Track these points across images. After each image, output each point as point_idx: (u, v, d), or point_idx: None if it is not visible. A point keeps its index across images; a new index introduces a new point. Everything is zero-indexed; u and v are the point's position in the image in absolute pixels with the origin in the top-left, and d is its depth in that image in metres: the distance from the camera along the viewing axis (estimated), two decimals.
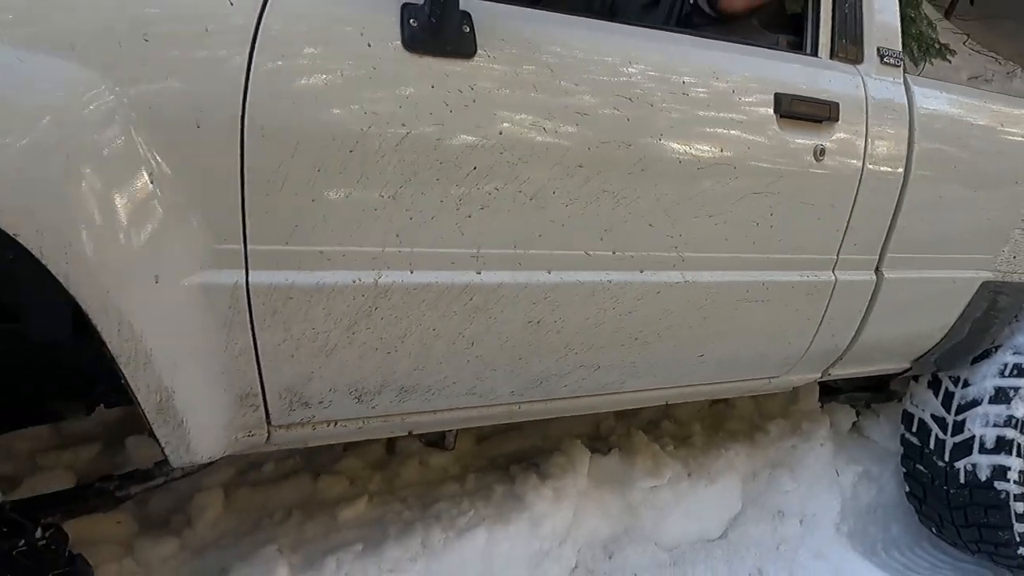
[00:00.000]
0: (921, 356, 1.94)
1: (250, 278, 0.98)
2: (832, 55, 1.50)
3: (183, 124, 0.88)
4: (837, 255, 1.55)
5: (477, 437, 2.16)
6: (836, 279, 1.56)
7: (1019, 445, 1.91)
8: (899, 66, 1.57)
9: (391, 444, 2.02)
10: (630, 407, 1.68)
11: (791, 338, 1.59)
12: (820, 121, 1.42)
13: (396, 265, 1.08)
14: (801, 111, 1.38)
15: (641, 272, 1.30)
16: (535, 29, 1.13)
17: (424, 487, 1.84)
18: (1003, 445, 1.92)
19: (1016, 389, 1.93)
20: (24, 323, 1.09)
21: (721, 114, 1.30)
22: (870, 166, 1.50)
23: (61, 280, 0.81)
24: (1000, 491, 1.93)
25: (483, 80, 1.06)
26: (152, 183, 0.87)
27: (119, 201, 0.84)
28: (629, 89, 1.19)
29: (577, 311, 1.26)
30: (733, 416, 2.34)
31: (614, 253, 1.26)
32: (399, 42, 1.00)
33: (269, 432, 1.15)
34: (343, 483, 1.82)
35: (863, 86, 1.49)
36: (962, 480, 1.99)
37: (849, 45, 1.51)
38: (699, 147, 1.27)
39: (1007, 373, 1.96)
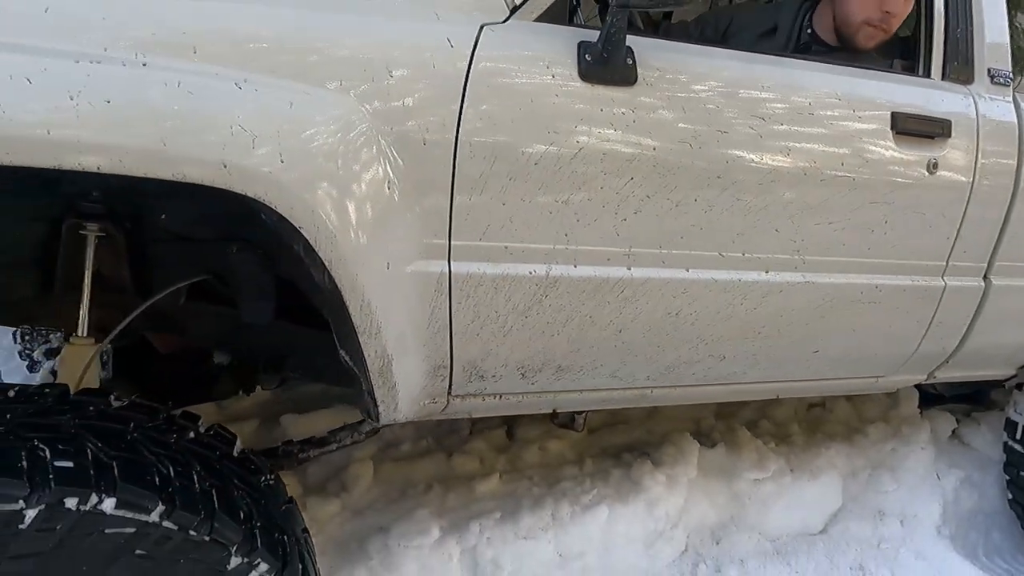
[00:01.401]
0: None
1: (452, 268, 1.19)
2: (944, 76, 1.62)
3: (414, 142, 1.10)
4: (947, 261, 1.66)
5: (588, 428, 2.33)
6: (946, 284, 1.67)
7: None
8: (1008, 85, 1.67)
9: (511, 431, 2.22)
10: (747, 398, 1.82)
11: (900, 339, 1.70)
12: (933, 137, 1.55)
13: (563, 260, 1.27)
14: (915, 128, 1.52)
15: (767, 272, 1.46)
16: (684, 59, 1.31)
17: (546, 468, 2.02)
18: None
19: None
20: (240, 308, 1.35)
21: (841, 131, 1.44)
22: (980, 179, 1.61)
23: (326, 264, 1.04)
24: None
25: (642, 104, 1.25)
26: (389, 189, 1.10)
27: (367, 202, 1.07)
28: (761, 110, 1.36)
29: (710, 305, 1.42)
30: (831, 419, 2.43)
31: (744, 254, 1.42)
32: (576, 73, 1.20)
33: (448, 400, 1.36)
34: (474, 462, 2.03)
35: (974, 105, 1.61)
36: None
37: (960, 67, 1.63)
38: (821, 161, 1.42)
39: None
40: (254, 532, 1.06)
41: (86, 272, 1.25)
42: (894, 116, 1.49)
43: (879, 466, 2.23)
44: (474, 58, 1.14)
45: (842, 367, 1.71)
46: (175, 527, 0.97)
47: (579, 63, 1.20)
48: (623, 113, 1.24)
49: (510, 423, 2.23)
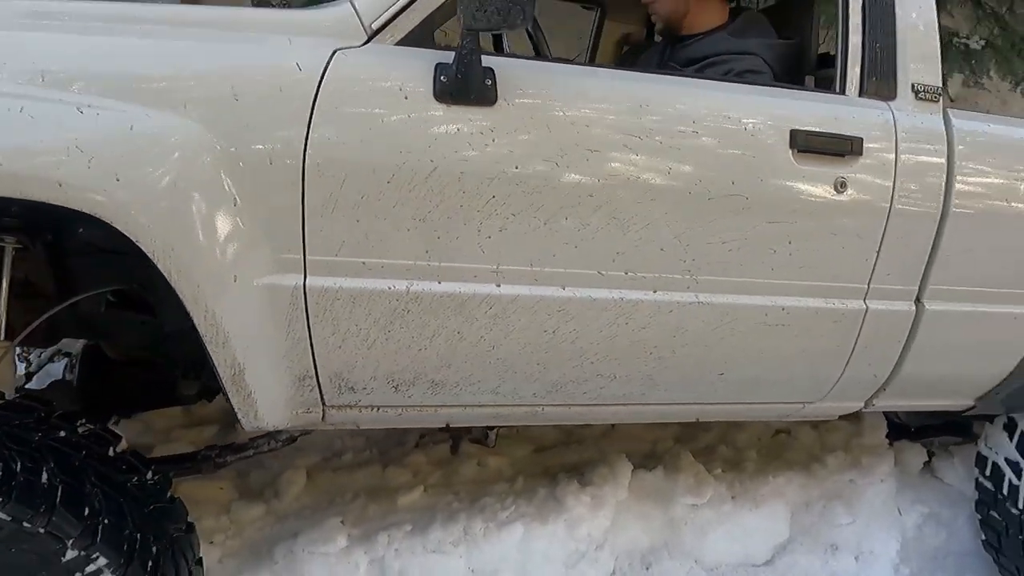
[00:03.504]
0: (985, 394, 1.88)
1: (307, 282, 1.23)
2: (862, 92, 1.56)
3: (260, 162, 1.16)
4: (868, 284, 1.59)
5: (538, 447, 2.32)
6: (867, 307, 1.60)
7: None
8: (936, 101, 1.60)
9: (456, 445, 2.24)
10: (656, 420, 1.78)
11: (820, 364, 1.64)
12: (842, 155, 1.49)
13: (426, 276, 1.30)
14: (819, 146, 1.47)
15: (654, 292, 1.44)
16: (552, 79, 1.32)
17: (477, 484, 2.03)
18: None
19: None
20: (159, 317, 1.42)
21: (731, 149, 1.42)
22: (901, 198, 1.54)
23: (166, 275, 1.11)
24: None
25: (502, 123, 1.27)
26: (234, 206, 1.15)
27: (209, 219, 1.13)
28: (638, 128, 1.35)
29: (591, 324, 1.41)
30: (794, 447, 2.34)
31: (627, 273, 1.41)
32: (432, 94, 1.23)
33: (324, 411, 1.39)
34: (407, 474, 2.06)
35: (893, 122, 1.54)
36: None
37: (880, 82, 1.57)
38: (708, 180, 1.40)
39: None
40: (97, 528, 1.12)
41: (3, 279, 1.35)
42: (793, 133, 1.45)
43: (835, 497, 2.13)
44: (323, 81, 1.19)
45: (756, 391, 1.66)
46: (8, 518, 1.04)
47: (435, 84, 1.24)
48: (481, 133, 1.26)
49: (456, 438, 2.25)
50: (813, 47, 1.77)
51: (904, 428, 2.33)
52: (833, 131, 1.48)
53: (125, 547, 1.16)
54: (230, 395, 1.23)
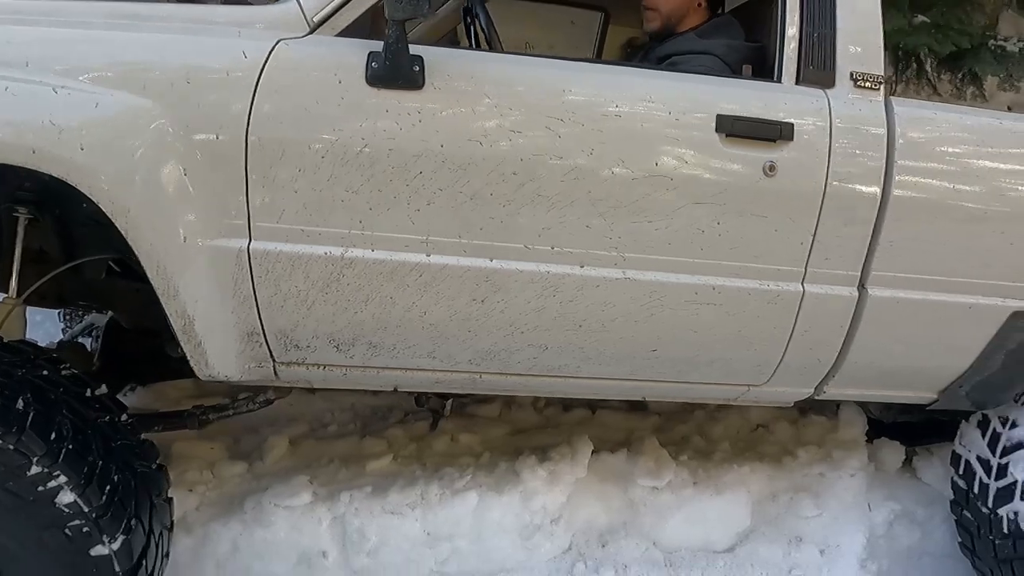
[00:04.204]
0: (947, 388, 1.85)
1: (251, 245, 1.39)
2: (799, 80, 1.61)
3: (208, 138, 1.32)
4: (805, 267, 1.62)
5: (514, 430, 2.42)
6: (805, 291, 1.63)
7: None
8: (877, 88, 1.62)
9: (435, 422, 2.36)
10: (595, 395, 1.84)
11: (758, 346, 1.67)
12: (772, 140, 1.54)
13: (360, 244, 1.43)
14: (746, 130, 1.52)
15: (581, 267, 1.52)
16: (477, 66, 1.44)
17: (446, 457, 2.14)
18: None
19: None
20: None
21: (655, 133, 1.49)
22: (835, 183, 1.57)
23: (123, 234, 1.28)
24: None
25: (429, 106, 1.40)
26: (185, 175, 1.32)
27: (161, 185, 1.30)
28: (561, 111, 1.45)
29: (518, 295, 1.51)
30: (769, 440, 2.34)
31: (552, 248, 1.50)
32: (363, 79, 1.37)
33: (275, 366, 1.55)
34: (383, 445, 2.19)
35: (828, 109, 1.58)
36: (1005, 529, 1.85)
37: (817, 70, 1.61)
38: (631, 162, 1.48)
39: None
40: (60, 451, 1.30)
41: (17, 246, 1.57)
42: (720, 118, 1.51)
43: (803, 490, 2.12)
44: (265, 67, 1.35)
45: (694, 370, 1.70)
46: None
47: (367, 70, 1.38)
48: (408, 114, 1.39)
49: (436, 415, 2.37)
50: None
51: (885, 425, 2.29)
52: (762, 116, 1.54)
53: (85, 470, 1.33)
54: (182, 343, 1.40)
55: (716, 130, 1.52)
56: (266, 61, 1.35)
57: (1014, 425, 1.88)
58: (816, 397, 1.85)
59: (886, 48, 3.84)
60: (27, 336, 2.01)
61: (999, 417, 1.93)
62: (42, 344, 2.04)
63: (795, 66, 1.61)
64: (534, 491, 1.95)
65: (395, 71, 1.37)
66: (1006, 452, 1.87)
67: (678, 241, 1.55)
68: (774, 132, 1.54)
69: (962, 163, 1.64)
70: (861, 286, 1.67)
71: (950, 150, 1.64)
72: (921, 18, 3.75)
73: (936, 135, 1.64)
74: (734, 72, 1.76)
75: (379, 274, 1.45)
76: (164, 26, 1.37)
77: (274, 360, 1.53)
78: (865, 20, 1.63)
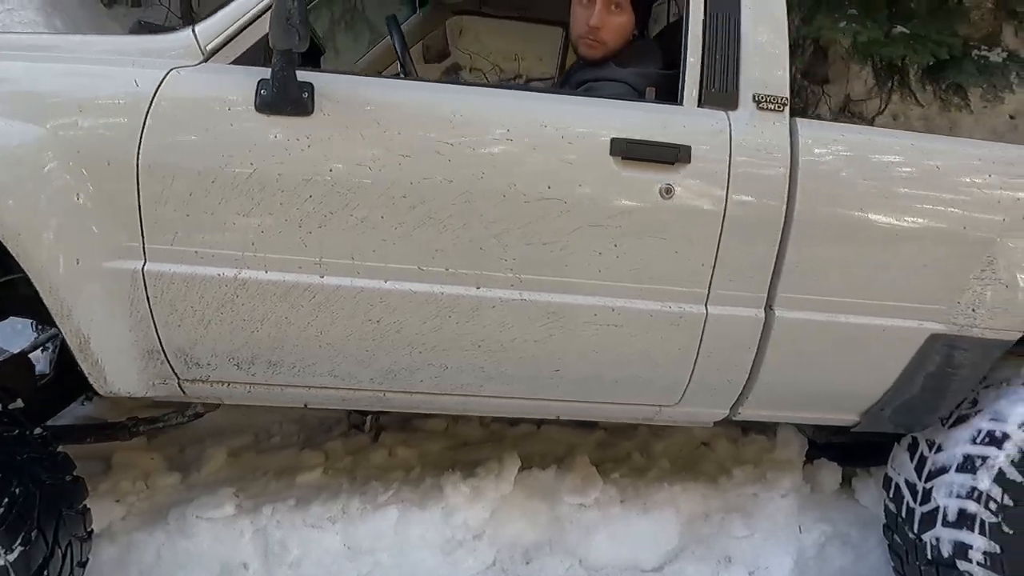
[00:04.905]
0: (868, 410, 1.83)
1: (146, 267, 1.43)
2: (701, 103, 1.61)
3: (99, 163, 1.37)
4: (708, 289, 1.62)
5: (456, 444, 2.44)
6: (708, 312, 1.62)
7: (983, 522, 1.70)
8: (781, 110, 1.62)
9: (377, 435, 2.39)
10: (504, 413, 1.84)
11: (663, 367, 1.67)
12: (671, 163, 1.55)
13: (254, 266, 1.47)
14: (641, 153, 1.53)
15: (477, 288, 1.54)
16: (367, 92, 1.47)
17: (379, 471, 2.17)
18: (965, 519, 1.73)
19: (984, 458, 1.73)
20: None
21: (547, 156, 1.51)
22: (736, 205, 1.57)
23: (15, 256, 1.33)
24: (963, 572, 1.73)
25: (318, 131, 1.43)
26: (78, 199, 1.37)
27: (54, 210, 1.35)
28: (451, 135, 1.47)
29: (413, 315, 1.53)
30: (709, 458, 2.33)
31: (447, 269, 1.52)
32: (253, 106, 1.41)
33: (180, 383, 1.59)
34: (320, 457, 2.22)
35: (728, 131, 1.58)
36: (929, 555, 1.81)
37: (719, 93, 1.61)
38: (523, 184, 1.50)
39: (979, 440, 1.77)
40: None
41: None
42: (614, 141, 1.52)
43: (735, 510, 2.11)
44: (156, 95, 1.39)
45: (601, 390, 1.71)
46: None
47: (256, 97, 1.41)
48: (298, 139, 1.42)
49: (379, 429, 2.40)
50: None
51: (824, 446, 2.27)
52: (657, 139, 1.54)
53: None
54: (79, 361, 1.45)
55: (611, 153, 1.52)
56: (157, 89, 1.40)
57: (939, 449, 1.85)
58: (733, 418, 1.84)
59: (863, 60, 3.78)
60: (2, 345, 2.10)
61: (927, 440, 1.90)
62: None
63: (697, 89, 1.61)
64: (456, 507, 1.97)
65: (283, 98, 1.41)
66: (931, 476, 1.84)
67: (575, 263, 1.56)
68: (671, 155, 1.54)
69: (871, 184, 1.62)
70: (768, 308, 1.66)
71: (858, 171, 1.62)
72: (900, 29, 3.70)
73: (843, 156, 1.63)
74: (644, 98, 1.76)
75: (273, 295, 1.48)
76: (62, 56, 1.42)
77: (178, 377, 1.57)
78: (770, 42, 1.63)
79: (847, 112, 5.32)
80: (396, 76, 1.82)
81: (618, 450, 2.42)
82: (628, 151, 1.53)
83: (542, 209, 1.51)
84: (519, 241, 1.52)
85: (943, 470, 1.82)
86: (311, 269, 1.49)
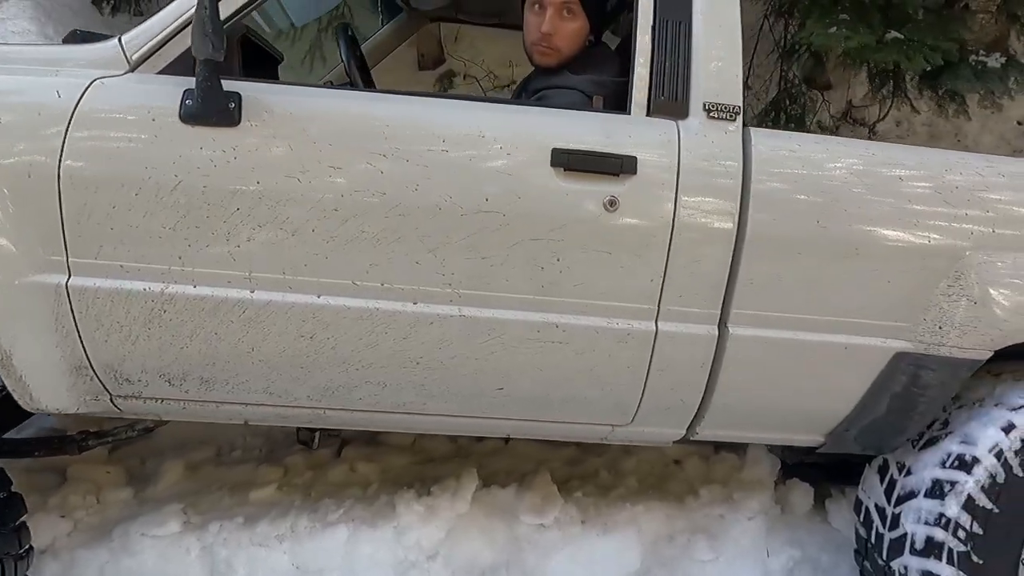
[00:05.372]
0: (832, 430, 1.75)
1: (70, 281, 1.40)
2: (649, 112, 1.55)
3: (20, 175, 1.34)
4: (658, 305, 1.55)
5: (422, 459, 2.38)
6: (658, 329, 1.56)
7: (951, 551, 1.62)
8: (732, 120, 1.55)
9: (340, 451, 2.34)
10: (446, 431, 1.80)
11: (612, 385, 1.61)
12: (616, 174, 1.49)
13: (181, 280, 1.43)
14: (583, 164, 1.47)
15: (414, 303, 1.49)
16: (297, 101, 1.43)
17: (336, 488, 2.12)
18: (932, 548, 1.64)
19: (952, 484, 1.65)
20: None
21: (484, 167, 1.46)
22: (684, 217, 1.51)
23: None
24: None
25: (245, 143, 1.39)
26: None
27: None
28: (384, 147, 1.42)
29: (348, 332, 1.49)
30: (678, 477, 2.25)
31: (382, 285, 1.47)
32: (178, 117, 1.38)
33: (112, 400, 1.55)
34: (279, 472, 2.18)
35: (676, 141, 1.52)
36: None
37: (668, 102, 1.55)
38: (459, 197, 1.44)
39: (948, 464, 1.68)
40: None
41: None
42: (555, 152, 1.47)
43: (700, 531, 2.03)
44: (78, 106, 1.36)
45: (547, 409, 1.65)
46: None
47: (181, 107, 1.38)
48: (224, 151, 1.39)
49: (344, 443, 2.36)
50: None
51: (797, 465, 2.18)
52: (601, 149, 1.49)
53: None
54: (2, 376, 1.41)
55: (551, 164, 1.47)
56: (80, 99, 1.36)
57: (909, 472, 1.77)
58: (691, 438, 1.77)
59: (856, 65, 3.69)
60: None
61: (896, 462, 1.81)
62: None
63: (645, 97, 1.55)
64: (409, 525, 1.92)
65: (207, 108, 1.37)
66: (900, 501, 1.76)
67: (516, 277, 1.50)
68: (614, 166, 1.48)
69: (829, 197, 1.55)
70: (722, 324, 1.59)
71: (815, 183, 1.55)
72: (894, 34, 3.61)
73: (799, 167, 1.56)
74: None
75: (202, 310, 1.44)
76: None
77: (109, 393, 1.54)
78: (722, 49, 1.57)
79: (849, 118, 5.23)
80: (344, 86, 1.79)
81: (586, 467, 2.35)
82: (570, 162, 1.47)
83: (480, 222, 1.46)
84: (457, 255, 1.47)
85: (912, 495, 1.73)
86: (241, 283, 1.44)
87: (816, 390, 1.68)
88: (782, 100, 5.26)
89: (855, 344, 1.62)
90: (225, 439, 2.42)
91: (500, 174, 1.46)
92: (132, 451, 2.31)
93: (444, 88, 6.20)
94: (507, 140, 1.47)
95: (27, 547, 1.66)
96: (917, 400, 1.67)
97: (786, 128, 5.21)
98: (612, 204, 1.48)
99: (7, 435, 1.83)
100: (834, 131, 4.65)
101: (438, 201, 1.44)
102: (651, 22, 1.56)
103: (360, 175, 1.42)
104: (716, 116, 1.55)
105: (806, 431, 1.77)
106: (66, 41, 1.58)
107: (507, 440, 2.47)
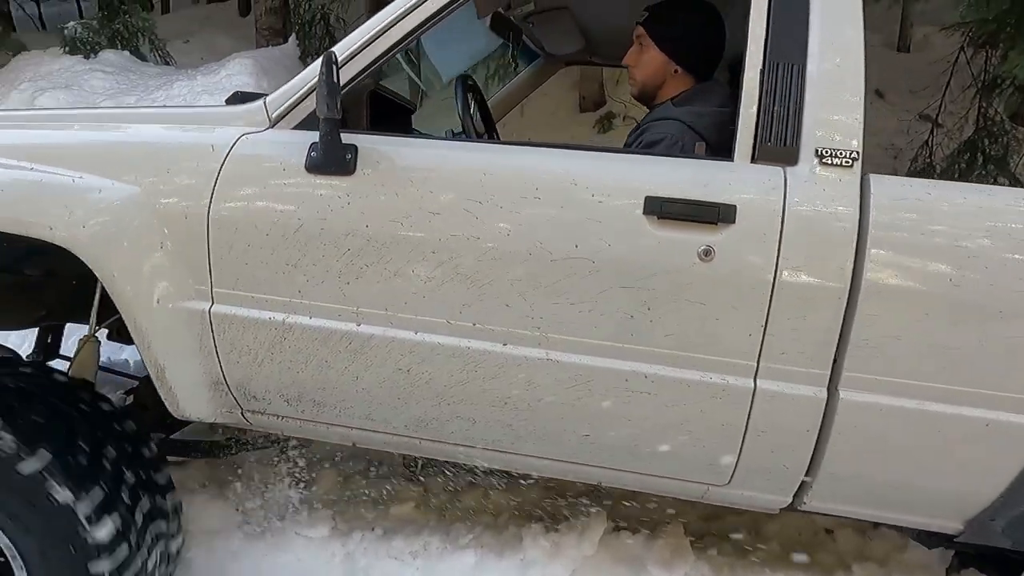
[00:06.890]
0: (974, 518, 1.52)
1: (212, 308, 1.62)
2: (755, 158, 1.48)
3: (178, 217, 1.58)
4: (758, 361, 1.47)
5: (558, 493, 2.39)
6: (757, 386, 1.47)
7: None
8: (850, 166, 1.43)
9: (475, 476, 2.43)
10: (545, 473, 1.78)
11: (706, 442, 1.53)
12: (712, 222, 1.44)
13: (299, 311, 1.59)
14: (678, 212, 1.44)
15: (504, 345, 1.54)
16: (406, 152, 1.55)
17: (469, 512, 2.20)
18: None
19: None
20: None
21: (576, 214, 1.47)
22: (789, 271, 1.42)
23: (110, 295, 1.57)
24: None
25: (358, 190, 1.53)
26: (161, 248, 1.59)
27: (142, 256, 1.58)
28: (480, 194, 1.50)
29: (441, 368, 1.56)
30: (828, 548, 2.06)
31: (474, 325, 1.54)
32: (303, 167, 1.55)
33: (243, 413, 1.75)
34: (418, 491, 2.30)
35: (783, 188, 1.43)
36: None
37: (776, 147, 1.47)
38: (550, 243, 1.47)
39: None
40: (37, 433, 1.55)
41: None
42: (648, 200, 1.45)
43: None
44: (227, 158, 1.58)
45: (635, 460, 1.59)
46: None
47: (306, 159, 1.55)
48: (339, 197, 1.54)
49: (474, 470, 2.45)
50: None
51: (979, 557, 1.89)
52: (697, 197, 1.44)
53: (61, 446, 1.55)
54: (157, 386, 1.66)
55: (644, 212, 1.45)
56: (228, 152, 1.59)
57: None
58: (799, 508, 1.62)
59: None
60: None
61: None
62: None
63: (751, 142, 1.48)
64: (534, 560, 1.94)
65: (327, 159, 1.53)
66: None
67: (605, 325, 1.49)
68: (711, 214, 1.43)
69: (963, 251, 1.38)
70: (832, 387, 1.46)
71: (945, 237, 1.39)
72: None
73: (926, 219, 1.40)
74: (703, 139, 1.66)
75: (315, 339, 1.59)
76: (153, 125, 1.68)
77: (241, 407, 1.74)
78: (840, 92, 1.46)
79: None
80: (457, 136, 1.90)
81: (724, 524, 2.23)
82: (663, 210, 1.44)
83: (569, 268, 1.48)
84: (545, 300, 1.50)
85: None
86: (349, 317, 1.58)
87: (947, 469, 1.48)
88: (979, 139, 4.74)
89: (1000, 421, 1.41)
90: (376, 454, 2.61)
91: (590, 222, 1.47)
92: (299, 454, 2.57)
93: (603, 129, 6.30)
94: (598, 187, 1.48)
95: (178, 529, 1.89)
96: None
97: (983, 170, 4.64)
98: (707, 254, 1.43)
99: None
100: None
101: (528, 247, 1.48)
102: (760, 63, 1.50)
103: (456, 220, 1.50)
104: (830, 162, 1.44)
105: (938, 515, 1.56)
106: (228, 102, 1.85)
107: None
